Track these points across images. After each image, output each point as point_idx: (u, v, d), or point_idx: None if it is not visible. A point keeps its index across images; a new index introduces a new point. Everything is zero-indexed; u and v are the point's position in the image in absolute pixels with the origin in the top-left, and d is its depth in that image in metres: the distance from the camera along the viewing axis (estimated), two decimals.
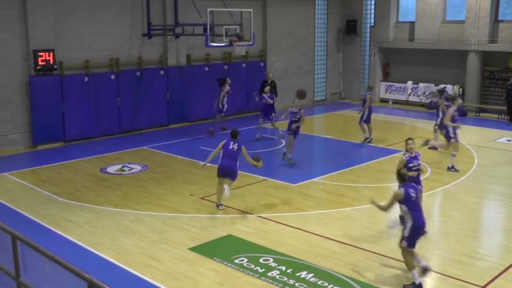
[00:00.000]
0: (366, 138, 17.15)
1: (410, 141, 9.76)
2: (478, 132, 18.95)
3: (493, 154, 15.84)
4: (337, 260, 8.81)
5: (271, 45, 23.20)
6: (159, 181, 13.30)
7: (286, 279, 8.13)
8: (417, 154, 9.83)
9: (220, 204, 11.22)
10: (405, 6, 25.17)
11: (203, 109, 20.38)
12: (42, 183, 13.15)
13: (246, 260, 8.80)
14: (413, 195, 7.92)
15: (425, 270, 7.95)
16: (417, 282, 7.83)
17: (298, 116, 14.52)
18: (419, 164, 9.77)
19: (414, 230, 7.84)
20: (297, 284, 7.98)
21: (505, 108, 20.92)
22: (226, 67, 21.33)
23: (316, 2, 25.10)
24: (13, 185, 13.05)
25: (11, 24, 15.98)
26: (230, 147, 11.00)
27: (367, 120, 17.05)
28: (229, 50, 20.17)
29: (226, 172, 10.98)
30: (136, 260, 8.86)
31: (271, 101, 17.84)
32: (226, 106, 18.27)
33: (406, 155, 9.70)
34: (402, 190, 7.90)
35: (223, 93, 18.16)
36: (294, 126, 14.58)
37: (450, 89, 23.08)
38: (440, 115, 15.55)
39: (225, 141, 11.19)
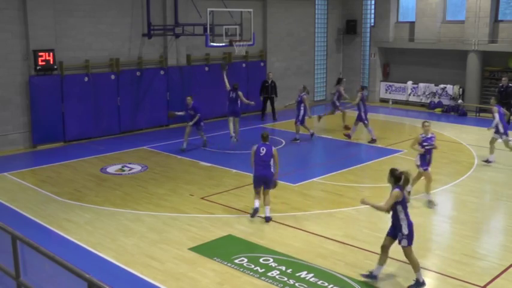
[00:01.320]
0: (296, 139, 17.51)
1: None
2: (478, 132, 18.93)
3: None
4: (337, 260, 8.81)
5: (271, 45, 23.20)
6: (159, 181, 13.30)
7: (286, 279, 8.13)
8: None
9: (232, 136, 16.75)
10: (405, 6, 25.16)
11: (203, 109, 20.31)
12: (42, 183, 13.15)
13: (246, 260, 8.80)
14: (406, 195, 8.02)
15: None
16: None
17: (432, 142, 11.45)
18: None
19: (410, 227, 7.88)
20: (297, 284, 7.98)
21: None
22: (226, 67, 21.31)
23: (316, 2, 25.10)
24: (13, 185, 13.05)
25: (11, 24, 15.98)
26: (231, 96, 16.85)
27: (302, 121, 17.37)
28: (229, 50, 20.17)
29: (232, 112, 16.70)
30: (137, 260, 8.86)
31: (182, 113, 16.64)
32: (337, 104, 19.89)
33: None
34: (398, 190, 7.80)
35: (340, 92, 19.83)
36: (428, 156, 11.46)
37: (450, 89, 23.13)
38: (362, 108, 17.07)
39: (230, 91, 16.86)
